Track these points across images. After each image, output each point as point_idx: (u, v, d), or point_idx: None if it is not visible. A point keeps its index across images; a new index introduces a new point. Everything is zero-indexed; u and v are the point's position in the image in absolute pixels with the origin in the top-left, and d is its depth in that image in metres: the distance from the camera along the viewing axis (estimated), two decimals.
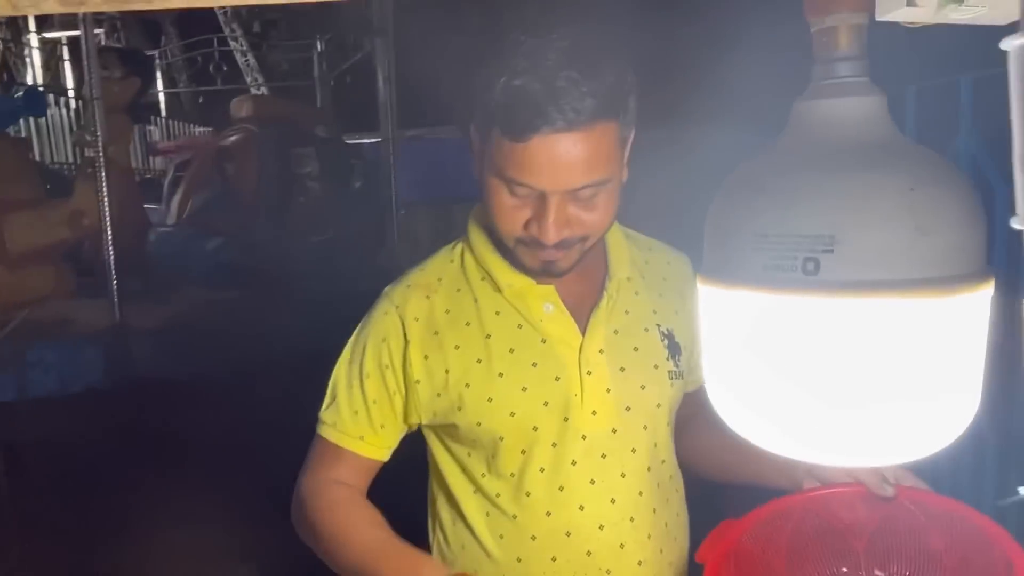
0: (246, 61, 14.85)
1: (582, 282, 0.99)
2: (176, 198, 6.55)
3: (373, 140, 8.91)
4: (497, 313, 0.98)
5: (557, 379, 0.95)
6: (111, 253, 5.29)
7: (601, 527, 0.96)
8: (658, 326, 1.03)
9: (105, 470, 4.09)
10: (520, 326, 0.97)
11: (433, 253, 1.07)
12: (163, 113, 14.87)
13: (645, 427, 0.99)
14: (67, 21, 12.63)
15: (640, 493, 0.98)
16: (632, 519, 0.97)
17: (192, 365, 5.49)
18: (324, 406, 1.04)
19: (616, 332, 0.99)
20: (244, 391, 5.32)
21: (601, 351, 0.97)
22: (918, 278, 0.48)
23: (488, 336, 0.97)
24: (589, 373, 0.96)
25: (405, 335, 0.98)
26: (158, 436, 4.80)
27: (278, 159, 6.50)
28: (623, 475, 0.97)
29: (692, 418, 1.09)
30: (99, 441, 4.57)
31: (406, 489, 1.13)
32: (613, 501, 0.96)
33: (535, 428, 0.95)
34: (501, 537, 0.97)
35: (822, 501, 0.91)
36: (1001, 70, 0.49)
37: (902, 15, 0.83)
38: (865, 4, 0.56)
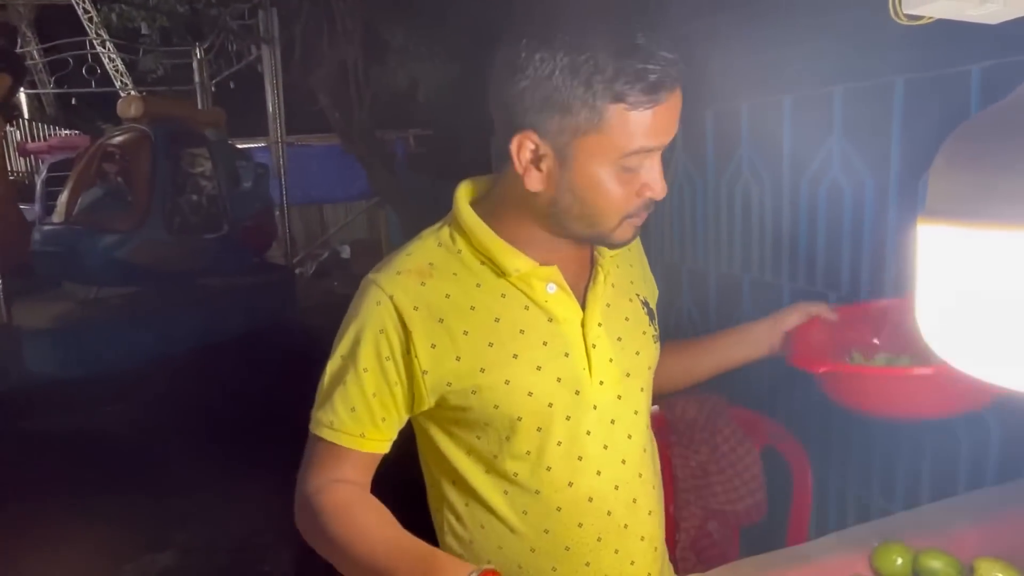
0: (114, 65, 13.53)
1: (576, 261, 0.94)
2: (62, 196, 5.85)
3: (260, 144, 8.49)
4: (503, 296, 0.88)
5: (567, 355, 0.89)
6: None
7: (616, 487, 0.93)
8: (637, 295, 1.00)
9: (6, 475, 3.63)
10: (527, 307, 0.89)
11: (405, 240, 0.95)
12: (25, 115, 13.19)
13: (642, 389, 0.97)
14: None
15: (644, 450, 0.97)
16: (640, 475, 0.96)
17: (85, 363, 4.98)
18: (317, 405, 0.89)
19: (608, 305, 0.94)
20: (139, 386, 4.92)
21: (600, 324, 0.92)
22: None
23: (497, 319, 0.87)
24: (594, 346, 0.91)
25: (404, 325, 0.85)
26: (51, 436, 4.33)
27: (170, 158, 6.00)
28: (629, 436, 0.94)
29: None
30: None
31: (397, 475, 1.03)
32: (624, 462, 0.94)
33: (551, 405, 0.88)
34: (525, 513, 0.91)
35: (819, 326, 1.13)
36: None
37: (936, 10, 0.89)
38: None
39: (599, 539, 0.92)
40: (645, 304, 1.00)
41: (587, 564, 0.92)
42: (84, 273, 5.57)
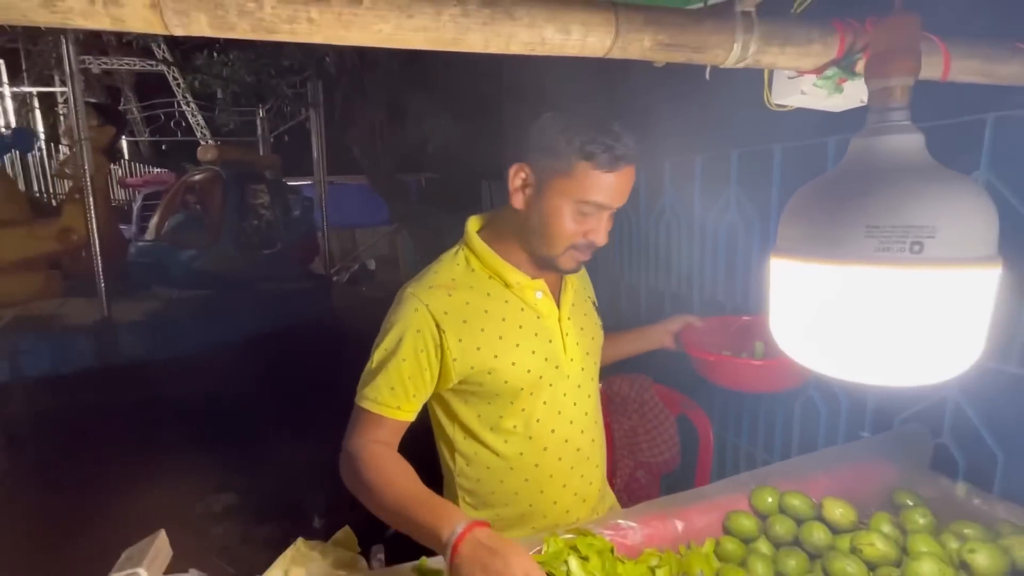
0: (196, 120, 13.35)
1: (553, 276, 1.00)
2: (153, 220, 5.77)
3: (307, 182, 8.41)
4: (506, 301, 0.95)
5: (550, 341, 0.96)
6: (99, 261, 4.56)
7: (582, 431, 1.01)
8: (589, 298, 1.09)
9: (101, 437, 3.56)
10: (522, 309, 0.96)
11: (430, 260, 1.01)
12: (125, 156, 12.97)
13: (595, 363, 1.05)
14: (38, 78, 10.62)
15: (596, 404, 1.05)
16: (596, 422, 1.04)
17: (167, 349, 4.90)
18: (363, 383, 0.92)
19: (573, 305, 1.02)
20: (209, 367, 4.85)
21: (569, 318, 1.00)
22: (989, 255, 0.48)
23: (503, 319, 0.94)
24: (567, 334, 0.98)
25: (438, 326, 0.90)
26: (140, 405, 4.25)
27: (237, 192, 5.94)
28: (589, 396, 1.02)
29: None
30: (94, 414, 3.95)
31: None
32: (586, 413, 1.02)
33: (541, 377, 0.95)
34: (520, 454, 0.97)
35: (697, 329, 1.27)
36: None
37: (795, 101, 0.94)
38: (914, 70, 0.55)
39: (571, 468, 1.01)
40: (594, 304, 1.10)
41: (564, 486, 1.00)
42: (169, 280, 5.49)
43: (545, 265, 0.95)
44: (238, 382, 4.31)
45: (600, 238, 0.89)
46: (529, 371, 0.94)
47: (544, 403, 0.96)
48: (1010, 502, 0.98)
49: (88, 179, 4.52)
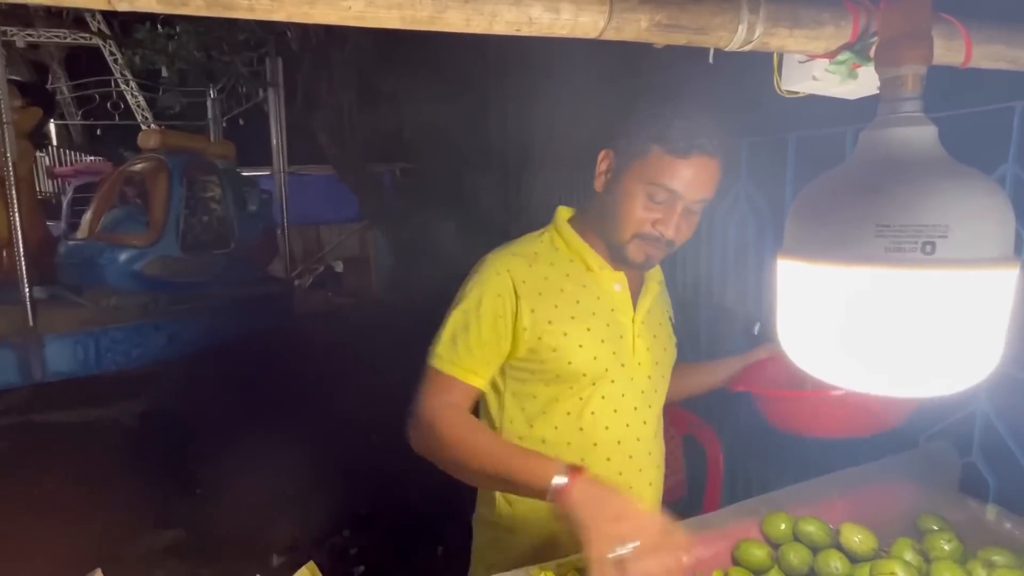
0: (136, 101, 13.20)
1: (634, 276, 1.08)
2: (86, 215, 5.70)
3: (264, 173, 8.37)
4: (583, 286, 1.03)
5: (621, 337, 1.03)
6: (23, 263, 4.49)
7: (638, 439, 1.05)
8: (667, 312, 1.16)
9: (29, 463, 3.50)
10: (599, 297, 1.04)
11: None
12: (54, 142, 12.77)
13: (663, 376, 1.11)
14: None
15: (659, 419, 1.10)
16: (655, 436, 1.09)
17: (101, 363, 4.83)
18: (441, 344, 1.00)
19: (649, 312, 1.09)
20: (150, 384, 4.79)
21: (644, 323, 1.07)
22: (1006, 255, 0.51)
23: (578, 301, 1.02)
24: (638, 336, 1.05)
25: (516, 292, 1.00)
26: (69, 427, 4.19)
27: (184, 184, 5.89)
28: (650, 406, 1.07)
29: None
30: (18, 437, 3.88)
31: None
32: (645, 423, 1.06)
33: (606, 369, 1.02)
34: (569, 444, 1.03)
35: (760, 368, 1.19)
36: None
37: (807, 87, 0.97)
38: (927, 58, 0.57)
39: (620, 473, 1.05)
40: (671, 319, 1.18)
41: None
42: (104, 284, 5.42)
43: (618, 257, 1.02)
44: (185, 401, 4.27)
45: (669, 231, 0.95)
46: (596, 358, 1.01)
47: (603, 397, 1.02)
48: None
49: (10, 168, 4.47)
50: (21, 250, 4.47)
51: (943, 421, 1.25)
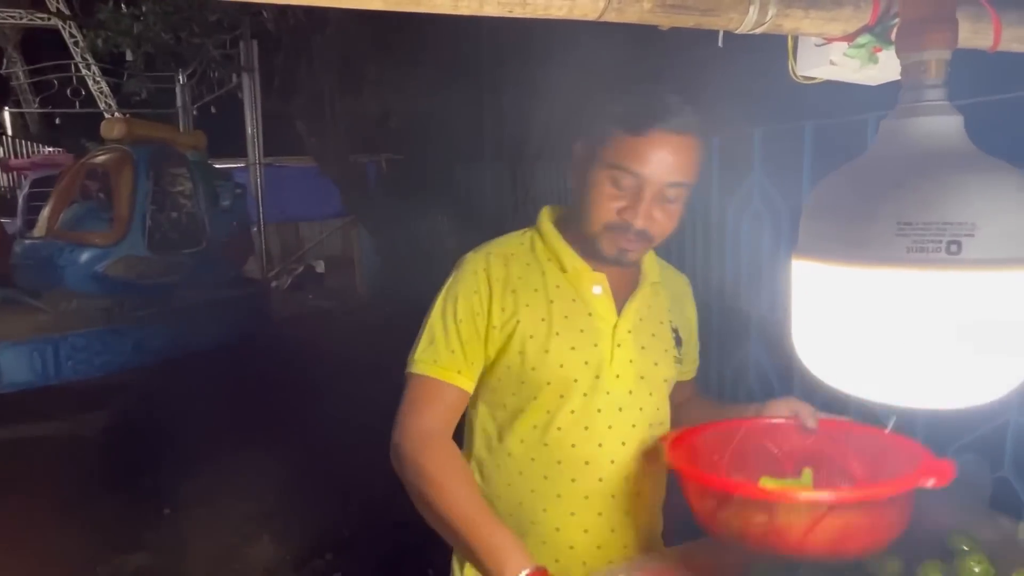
0: (99, 87, 13.18)
1: (623, 277, 1.06)
2: (44, 211, 5.66)
3: (239, 165, 8.36)
4: (558, 287, 1.03)
5: (596, 345, 1.01)
6: None
7: (612, 462, 1.02)
8: (670, 322, 1.11)
9: None
10: (574, 300, 1.02)
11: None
12: (8, 132, 12.74)
13: (651, 393, 1.06)
14: None
15: (642, 440, 1.04)
16: (635, 460, 1.04)
17: (61, 372, 4.81)
18: (421, 349, 1.01)
19: (641, 320, 1.06)
20: (116, 394, 4.78)
21: (629, 331, 1.04)
22: None
23: (551, 302, 1.01)
24: (619, 345, 1.02)
25: (490, 290, 1.01)
26: (27, 442, 4.17)
27: (151, 177, 5.87)
28: (633, 426, 1.03)
29: (685, 403, 1.18)
30: None
31: None
32: (623, 444, 1.03)
33: (575, 380, 1.00)
34: (532, 459, 1.02)
35: (764, 428, 1.01)
36: None
37: (824, 72, 0.97)
38: (950, 41, 0.57)
39: (586, 497, 1.02)
40: (675, 331, 1.12)
41: (572, 514, 1.03)
42: (63, 285, 5.39)
43: (596, 253, 1.01)
44: (152, 414, 4.25)
45: (638, 219, 0.94)
46: (562, 366, 0.99)
47: (572, 412, 1.01)
48: None
49: None
50: None
51: (972, 433, 1.26)
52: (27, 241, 5.61)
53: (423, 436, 0.96)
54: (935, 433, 1.33)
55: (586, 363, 1.01)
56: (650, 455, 1.05)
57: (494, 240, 1.10)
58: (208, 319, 6.04)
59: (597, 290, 1.03)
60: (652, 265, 1.11)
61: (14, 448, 4.01)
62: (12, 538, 2.83)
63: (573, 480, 1.02)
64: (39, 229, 5.57)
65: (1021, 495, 1.19)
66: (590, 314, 1.03)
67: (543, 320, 1.01)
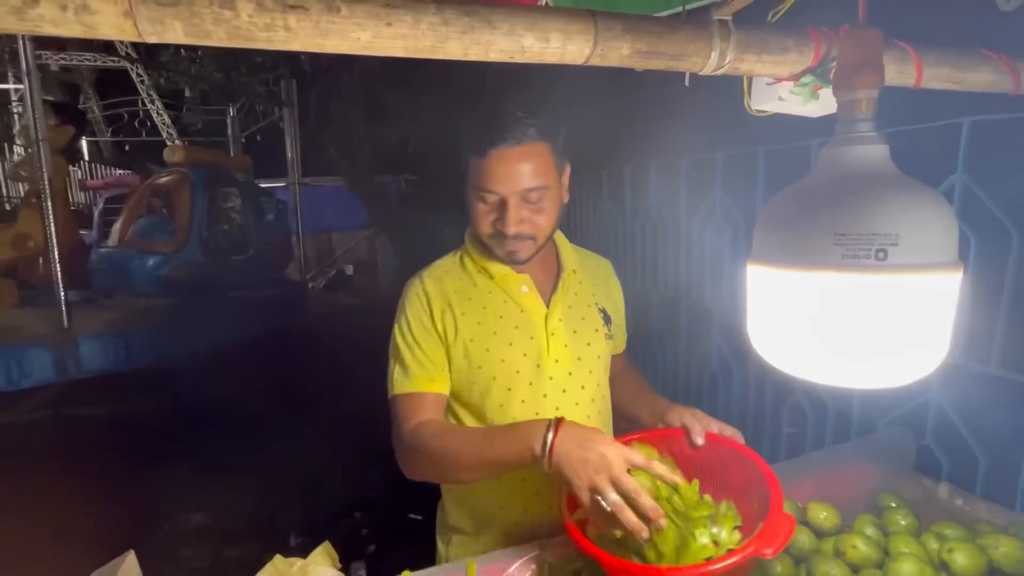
0: (161, 119, 13.16)
1: (545, 273, 1.04)
2: (116, 225, 5.67)
3: (280, 184, 8.35)
4: (490, 292, 1.00)
5: (531, 338, 0.98)
6: (59, 269, 4.47)
7: None
8: (596, 304, 1.07)
9: (65, 453, 3.49)
10: (505, 301, 1.00)
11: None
12: (86, 158, 12.72)
13: (590, 372, 1.03)
14: None
15: (588, 416, 1.02)
16: None
17: (131, 361, 4.81)
18: (395, 376, 0.97)
19: (570, 307, 1.03)
20: (176, 379, 4.77)
21: (560, 319, 1.00)
22: (950, 260, 0.52)
23: (484, 307, 0.99)
24: (553, 334, 0.99)
25: (430, 307, 0.99)
26: (102, 420, 4.17)
27: (207, 195, 5.87)
28: (576, 404, 1.00)
29: (616, 376, 1.13)
30: (56, 430, 3.86)
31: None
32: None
33: (518, 371, 0.97)
34: None
35: (660, 437, 0.94)
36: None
37: (773, 107, 0.98)
38: (878, 83, 0.58)
39: (546, 475, 0.92)
40: (603, 312, 1.08)
41: (536, 493, 1.00)
42: (133, 287, 5.41)
43: (492, 251, 0.99)
44: (208, 396, 4.25)
45: (509, 227, 0.91)
46: (503, 361, 0.96)
47: (522, 401, 0.97)
48: (991, 502, 1.03)
49: (46, 182, 4.45)
50: (56, 257, 4.45)
51: (900, 408, 1.27)
52: (102, 250, 5.64)
53: (414, 429, 0.92)
54: (869, 408, 1.34)
55: (525, 355, 0.98)
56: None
57: (431, 264, 1.08)
58: (255, 314, 6.05)
59: (524, 289, 1.01)
60: (569, 255, 1.08)
61: (91, 425, 4.01)
62: (91, 500, 2.84)
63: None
64: (112, 239, 5.59)
65: (940, 460, 1.20)
66: (522, 311, 1.00)
67: (479, 324, 0.98)
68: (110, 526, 2.65)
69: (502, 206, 0.91)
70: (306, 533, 2.71)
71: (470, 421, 1.00)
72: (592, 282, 1.10)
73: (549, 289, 1.03)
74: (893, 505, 1.03)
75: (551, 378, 0.98)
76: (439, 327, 0.98)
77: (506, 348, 0.97)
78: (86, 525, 2.64)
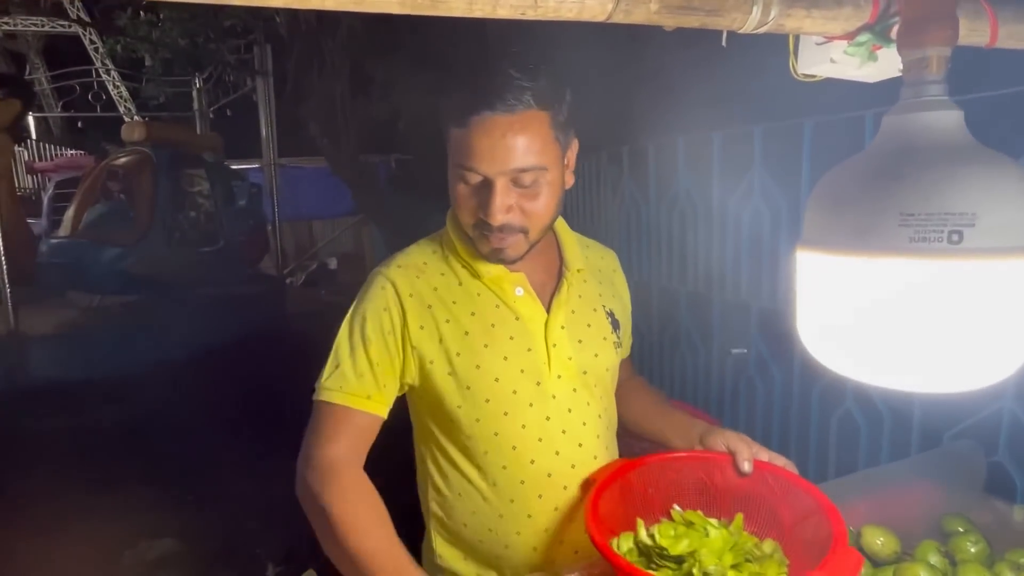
0: (118, 92, 13.22)
1: (544, 271, 0.98)
2: (68, 212, 5.72)
3: (254, 166, 8.38)
4: (478, 295, 0.93)
5: (529, 350, 0.92)
6: (3, 263, 4.51)
7: (573, 466, 0.95)
8: (604, 306, 1.02)
9: (9, 472, 3.52)
10: (497, 306, 0.93)
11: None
12: (33, 136, 12.81)
13: (596, 385, 0.99)
14: None
15: (597, 436, 0.98)
16: (595, 457, 0.97)
17: (86, 367, 4.85)
18: (326, 375, 0.90)
19: (573, 312, 0.97)
20: (138, 388, 4.81)
21: (563, 327, 0.95)
22: None
23: (473, 313, 0.92)
24: (554, 345, 0.94)
25: (402, 307, 0.91)
26: (53, 434, 4.20)
27: (171, 178, 5.90)
28: (584, 423, 0.96)
29: (621, 385, 1.09)
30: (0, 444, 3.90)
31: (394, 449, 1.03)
32: (580, 445, 0.95)
33: (515, 392, 0.91)
34: (494, 484, 0.94)
35: (701, 461, 0.92)
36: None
37: (824, 70, 0.97)
38: (951, 39, 0.56)
39: (556, 509, 0.95)
40: (610, 315, 1.02)
41: (546, 530, 0.96)
42: (87, 283, 5.44)
43: (476, 248, 0.93)
44: (174, 406, 4.28)
45: (494, 216, 0.84)
46: (497, 380, 0.91)
47: (523, 427, 0.92)
48: None
49: None
50: (1, 249, 4.49)
51: (968, 419, 1.26)
52: (52, 241, 5.67)
53: (328, 467, 0.85)
54: (932, 419, 1.34)
55: (522, 371, 0.92)
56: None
57: (406, 249, 0.99)
58: (225, 314, 6.07)
59: (520, 292, 0.94)
60: (574, 250, 1.02)
61: (42, 439, 4.05)
62: (42, 525, 2.86)
63: (540, 496, 0.94)
64: (64, 229, 5.63)
65: (1015, 478, 1.19)
66: (517, 318, 0.93)
67: (467, 334, 0.91)
68: (65, 554, 2.67)
69: (486, 189, 0.83)
70: (285, 561, 2.72)
71: (459, 456, 0.95)
72: (598, 280, 1.05)
73: (549, 291, 0.97)
74: (961, 530, 1.03)
75: (554, 397, 0.93)
76: (413, 335, 0.91)
77: (500, 363, 0.91)
78: (38, 552, 2.67)
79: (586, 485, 0.95)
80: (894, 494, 1.11)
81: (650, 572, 0.77)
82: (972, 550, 0.97)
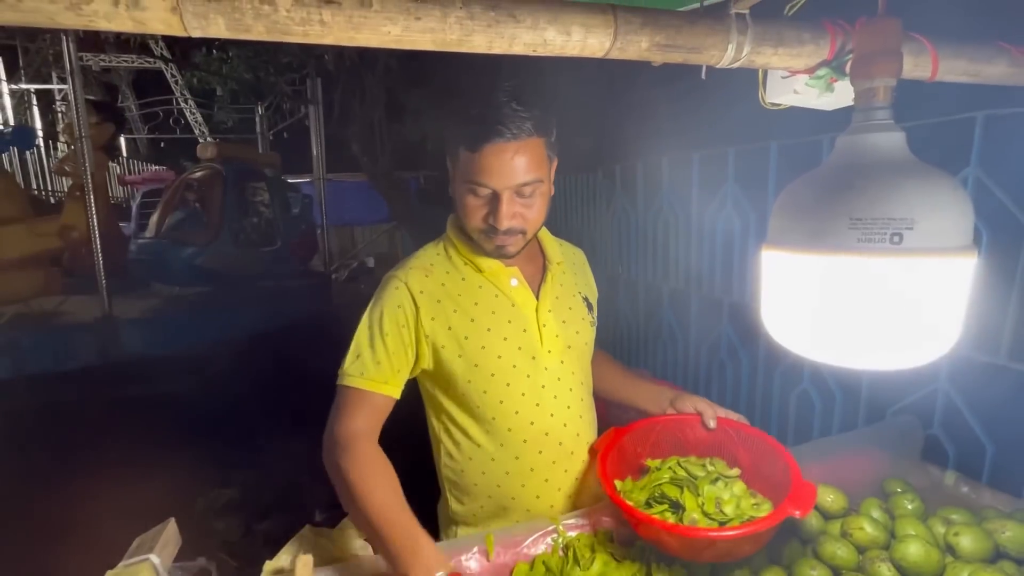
0: (194, 117, 13.36)
1: (532, 265, 1.02)
2: (153, 217, 5.78)
3: (306, 180, 8.43)
4: (480, 287, 0.96)
5: (524, 330, 0.96)
6: (100, 259, 4.59)
7: (565, 425, 0.98)
8: (580, 293, 1.06)
9: (104, 432, 3.59)
10: (496, 295, 0.96)
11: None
12: (124, 154, 12.98)
13: (579, 358, 1.02)
14: (35, 75, 10.62)
15: (581, 399, 1.02)
16: (580, 416, 1.01)
17: (167, 345, 4.92)
18: (348, 363, 0.92)
19: (557, 298, 1.01)
20: (209, 363, 4.87)
21: (550, 310, 0.98)
22: (965, 245, 0.51)
23: (476, 303, 0.95)
24: (544, 325, 0.97)
25: (415, 303, 0.93)
26: (140, 400, 4.27)
27: (237, 190, 5.96)
28: (571, 389, 1.00)
29: (593, 359, 1.11)
30: (96, 410, 3.97)
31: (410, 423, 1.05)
32: (568, 407, 0.99)
33: (514, 366, 0.94)
34: (501, 445, 0.96)
35: (675, 422, 0.99)
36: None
37: (788, 100, 0.97)
38: (896, 71, 0.57)
39: (553, 462, 0.99)
40: (585, 300, 1.07)
41: (546, 480, 0.99)
42: (168, 276, 5.52)
43: (482, 248, 0.95)
44: (238, 378, 4.34)
45: (501, 222, 0.87)
46: (500, 357, 0.93)
47: (523, 395, 0.95)
48: (997, 491, 1.02)
49: (88, 176, 4.55)
50: (99, 247, 4.57)
51: (908, 397, 1.25)
52: (140, 241, 5.75)
53: (348, 438, 0.87)
54: (877, 397, 1.32)
55: (520, 348, 0.95)
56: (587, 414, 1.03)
57: (414, 254, 1.02)
58: (281, 303, 6.12)
59: (514, 282, 0.98)
60: (553, 247, 1.06)
61: (131, 405, 4.12)
62: (132, 476, 2.92)
63: (540, 452, 0.98)
64: (149, 231, 5.70)
65: (947, 449, 1.18)
66: (513, 304, 0.97)
67: (473, 320, 0.94)
68: (148, 500, 2.72)
69: (495, 200, 0.87)
70: (330, 509, 2.75)
71: (469, 424, 0.97)
72: (573, 271, 1.08)
73: (537, 281, 1.01)
74: (900, 490, 1.02)
75: (547, 368, 0.97)
76: (425, 326, 0.93)
77: (501, 343, 0.94)
78: (128, 497, 2.72)
79: (592, 452, 1.01)
80: (843, 460, 1.10)
81: (651, 515, 0.82)
82: (909, 507, 0.97)
